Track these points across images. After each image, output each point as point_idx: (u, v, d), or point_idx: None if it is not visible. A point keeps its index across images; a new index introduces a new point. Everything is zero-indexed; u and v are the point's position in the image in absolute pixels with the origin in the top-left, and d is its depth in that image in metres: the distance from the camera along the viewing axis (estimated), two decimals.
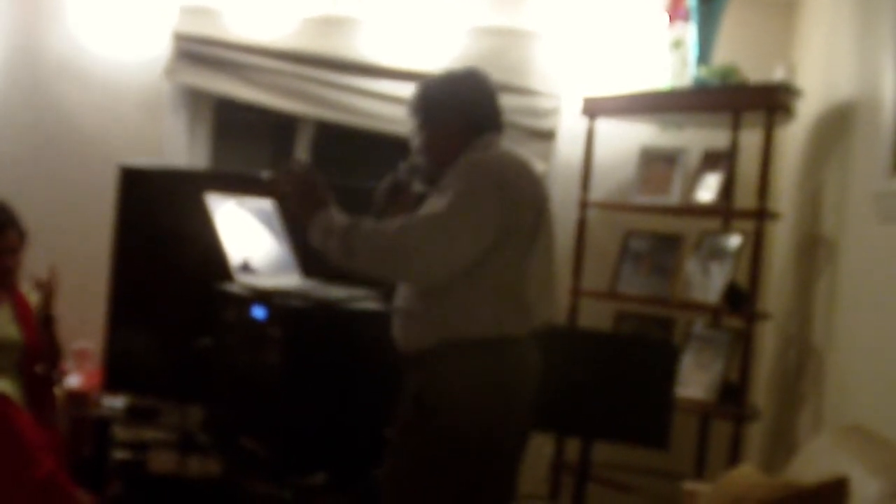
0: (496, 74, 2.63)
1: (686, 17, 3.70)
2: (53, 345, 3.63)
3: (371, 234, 2.36)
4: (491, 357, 2.40)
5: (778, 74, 3.51)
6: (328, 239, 2.40)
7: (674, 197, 3.75)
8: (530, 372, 2.49)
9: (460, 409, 2.37)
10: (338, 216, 2.43)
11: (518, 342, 2.44)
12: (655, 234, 3.88)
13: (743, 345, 3.43)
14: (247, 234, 3.13)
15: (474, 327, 2.39)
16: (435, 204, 2.36)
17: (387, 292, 2.94)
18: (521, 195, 2.42)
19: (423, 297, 2.43)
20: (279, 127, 4.71)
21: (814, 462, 2.29)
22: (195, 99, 4.56)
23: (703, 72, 3.58)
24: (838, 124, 3.23)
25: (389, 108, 4.23)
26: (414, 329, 2.47)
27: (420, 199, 2.58)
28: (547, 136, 4.16)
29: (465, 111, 2.54)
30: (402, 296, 2.52)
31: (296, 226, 2.54)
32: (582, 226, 3.87)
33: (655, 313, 3.90)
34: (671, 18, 3.77)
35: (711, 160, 3.74)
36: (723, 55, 3.69)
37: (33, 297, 3.65)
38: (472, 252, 2.34)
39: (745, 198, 3.64)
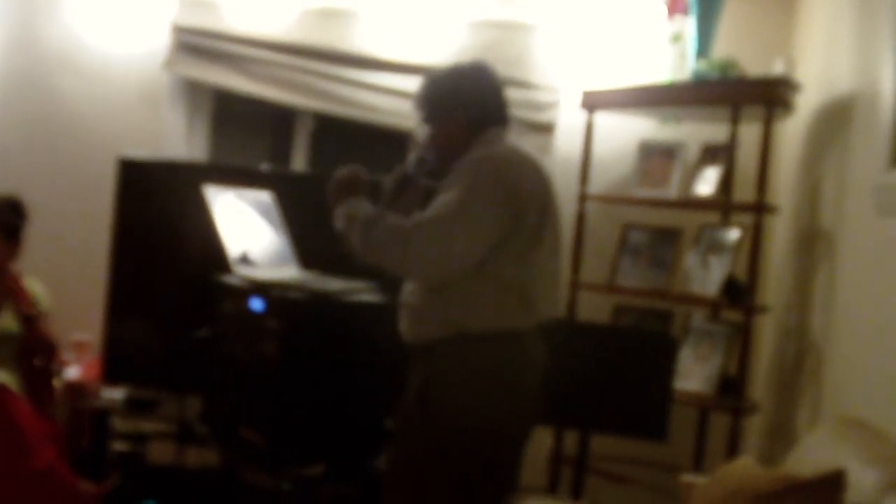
0: (495, 68, 2.63)
1: (685, 11, 3.70)
2: (45, 341, 3.62)
3: (388, 229, 2.38)
4: (496, 350, 2.41)
5: (777, 68, 3.50)
6: (350, 226, 2.43)
7: (673, 190, 3.75)
8: (535, 365, 2.50)
9: (464, 401, 2.39)
10: (364, 206, 2.46)
11: (523, 336, 2.45)
12: (654, 228, 3.88)
13: (741, 338, 3.43)
14: (245, 226, 3.14)
15: (480, 321, 2.40)
16: (443, 202, 2.37)
17: (385, 284, 2.95)
18: (527, 191, 2.42)
19: (431, 291, 2.45)
20: (278, 119, 4.70)
21: (811, 454, 2.30)
22: (194, 91, 4.55)
23: (703, 65, 3.57)
24: (837, 118, 3.23)
25: (388, 101, 4.22)
26: (420, 322, 2.48)
27: (427, 192, 2.57)
28: (546, 129, 4.15)
29: (469, 105, 2.55)
30: (410, 290, 2.53)
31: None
32: (581, 219, 3.87)
33: (654, 306, 3.90)
34: (670, 12, 3.77)
35: (710, 154, 3.74)
36: (722, 49, 3.69)
37: (37, 290, 3.65)
38: (480, 249, 2.36)
39: (744, 191, 3.64)
